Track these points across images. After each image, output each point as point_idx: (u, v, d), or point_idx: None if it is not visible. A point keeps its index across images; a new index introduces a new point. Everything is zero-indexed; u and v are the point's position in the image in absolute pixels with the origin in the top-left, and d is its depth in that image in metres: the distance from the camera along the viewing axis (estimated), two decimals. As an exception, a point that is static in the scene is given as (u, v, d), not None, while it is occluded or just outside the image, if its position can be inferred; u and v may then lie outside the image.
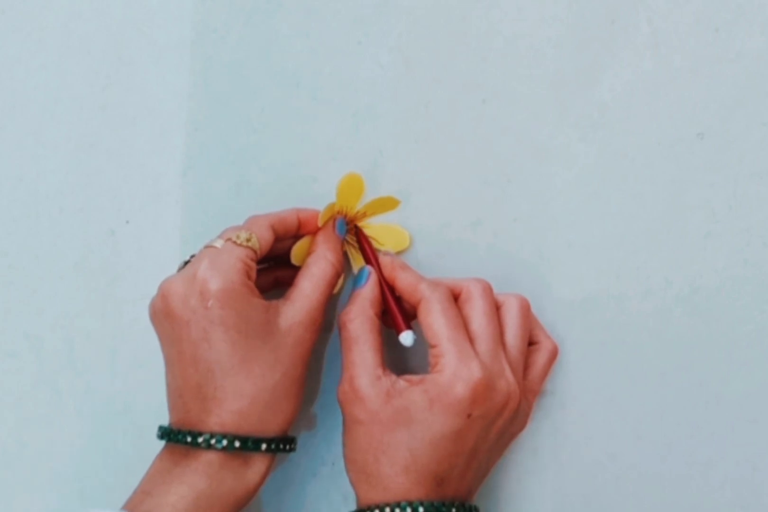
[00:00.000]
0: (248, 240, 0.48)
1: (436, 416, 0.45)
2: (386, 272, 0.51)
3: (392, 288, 0.51)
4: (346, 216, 0.53)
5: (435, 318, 0.47)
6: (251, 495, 0.48)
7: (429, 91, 0.54)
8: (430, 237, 0.54)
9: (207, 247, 0.48)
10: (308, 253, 0.51)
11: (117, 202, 0.57)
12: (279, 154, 0.55)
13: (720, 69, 0.51)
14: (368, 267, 0.51)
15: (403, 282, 0.50)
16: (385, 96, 0.54)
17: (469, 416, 0.45)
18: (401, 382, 0.47)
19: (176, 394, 0.48)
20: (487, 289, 0.49)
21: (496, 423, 0.47)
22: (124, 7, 0.56)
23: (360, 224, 0.53)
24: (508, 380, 0.47)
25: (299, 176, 0.54)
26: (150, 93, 0.56)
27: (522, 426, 0.51)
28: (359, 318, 0.49)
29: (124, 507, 0.46)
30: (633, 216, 0.52)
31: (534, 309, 0.52)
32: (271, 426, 0.47)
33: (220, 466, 0.47)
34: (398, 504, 0.45)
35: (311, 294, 0.49)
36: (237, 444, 0.46)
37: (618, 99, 0.52)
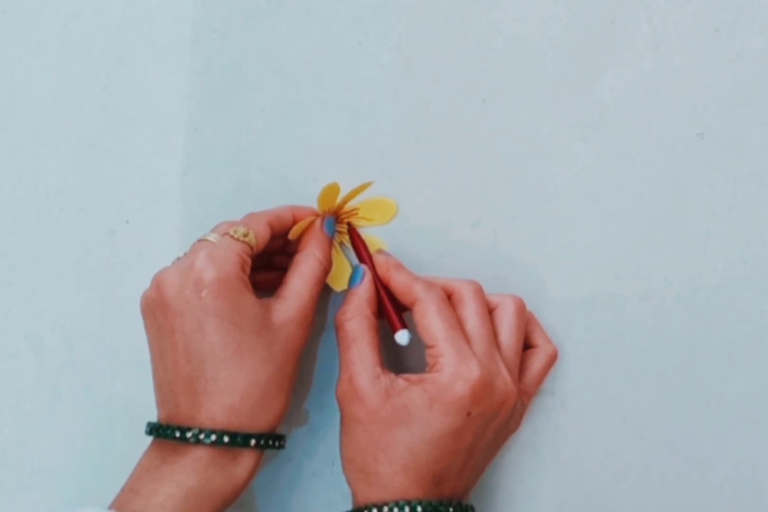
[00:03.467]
0: (245, 235, 0.49)
1: (436, 415, 0.46)
2: (381, 272, 0.51)
3: (387, 288, 0.51)
4: (336, 215, 0.53)
5: (431, 319, 0.47)
6: (239, 491, 0.48)
7: (429, 91, 0.54)
8: (430, 237, 0.54)
9: (201, 240, 0.49)
10: (298, 249, 0.52)
11: (117, 202, 0.57)
12: (279, 154, 0.55)
13: (720, 69, 0.51)
14: (363, 267, 0.51)
15: (397, 282, 0.50)
16: (385, 96, 0.54)
17: (468, 415, 0.46)
18: (400, 381, 0.47)
19: (166, 389, 0.48)
20: (479, 291, 0.50)
21: (494, 422, 0.47)
22: (124, 7, 0.56)
23: (345, 210, 0.54)
24: (505, 380, 0.47)
25: (299, 176, 0.54)
26: (150, 93, 0.56)
27: (516, 425, 0.51)
28: (356, 317, 0.49)
29: (112, 505, 0.46)
30: (633, 216, 0.52)
31: (533, 310, 0.52)
32: (261, 422, 0.47)
33: (209, 463, 0.46)
34: (396, 503, 0.45)
35: (302, 291, 0.49)
36: (226, 439, 0.46)
37: (618, 99, 0.52)
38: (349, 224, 0.54)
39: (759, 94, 0.51)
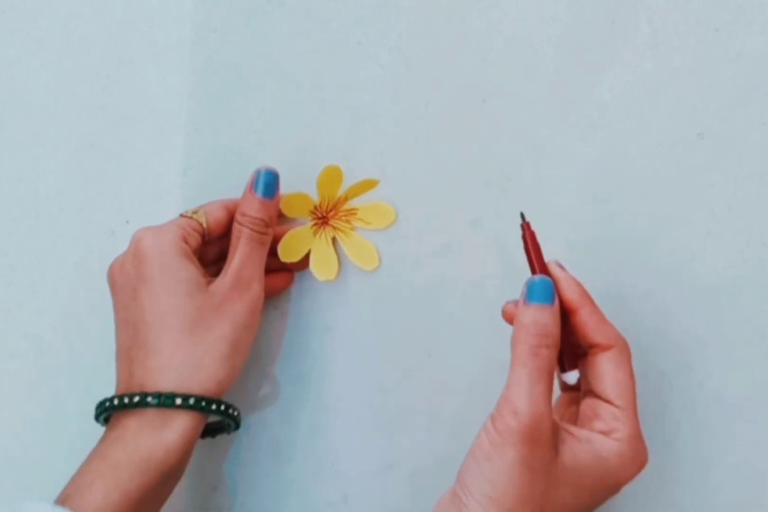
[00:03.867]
0: (195, 213, 0.50)
1: (604, 492, 0.43)
2: (569, 295, 0.44)
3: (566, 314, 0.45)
4: (328, 204, 0.53)
5: (627, 377, 0.43)
6: (173, 458, 0.46)
7: (429, 91, 0.54)
8: (430, 237, 0.54)
9: None
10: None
11: (117, 202, 0.57)
12: (279, 154, 0.55)
13: (720, 69, 0.51)
14: (550, 280, 0.44)
15: (590, 315, 0.44)
16: (385, 96, 0.54)
17: (619, 490, 0.44)
18: (564, 433, 0.43)
19: (117, 365, 0.49)
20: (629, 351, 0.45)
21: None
22: (124, 7, 0.56)
23: (344, 207, 0.54)
24: (644, 452, 0.45)
25: (299, 176, 0.54)
26: (150, 93, 0.56)
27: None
28: (553, 348, 0.43)
29: (57, 498, 0.45)
30: (633, 216, 0.52)
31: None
32: (192, 383, 0.47)
33: (135, 430, 0.46)
34: None
35: (235, 258, 0.50)
36: (150, 399, 0.45)
37: (618, 99, 0.52)
38: (525, 227, 0.46)
39: (759, 94, 0.51)
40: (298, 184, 0.54)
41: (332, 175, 0.53)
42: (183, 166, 0.56)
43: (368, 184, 0.53)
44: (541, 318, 0.43)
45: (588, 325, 0.44)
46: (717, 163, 0.52)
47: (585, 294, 0.45)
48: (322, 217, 0.54)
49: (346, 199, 0.54)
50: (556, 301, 0.43)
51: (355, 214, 0.54)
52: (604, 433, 0.43)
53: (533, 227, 0.47)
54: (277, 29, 0.55)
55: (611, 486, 0.43)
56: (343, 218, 0.54)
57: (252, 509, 0.56)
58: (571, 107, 0.52)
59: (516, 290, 0.52)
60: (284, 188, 0.53)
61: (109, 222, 0.57)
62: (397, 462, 0.54)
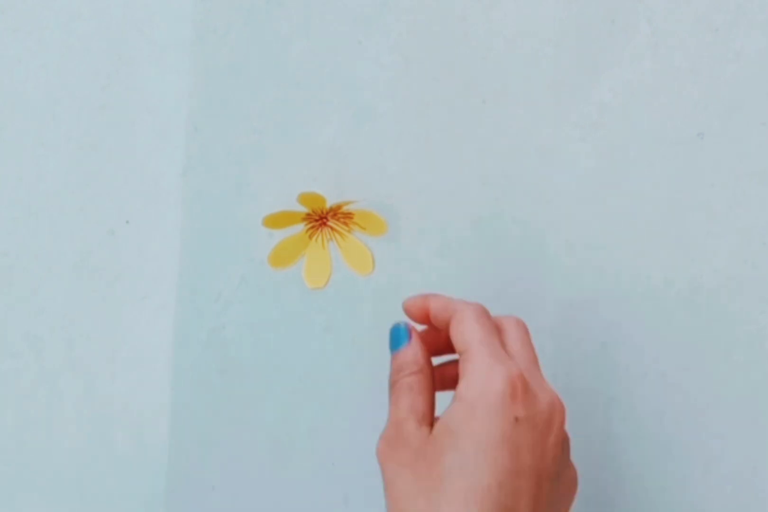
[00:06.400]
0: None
1: (480, 420, 0.41)
2: (417, 303, 0.47)
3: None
4: (334, 213, 0.54)
5: (467, 324, 0.44)
6: None
7: (429, 91, 0.54)
8: (430, 237, 0.54)
9: None
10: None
11: (117, 202, 0.57)
12: (279, 154, 0.55)
13: (720, 69, 0.51)
14: (404, 324, 0.47)
15: (436, 303, 0.46)
16: (385, 96, 0.54)
17: (516, 420, 0.41)
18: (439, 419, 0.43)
19: None
20: (522, 323, 0.46)
21: (549, 438, 0.42)
22: (124, 7, 0.56)
23: (345, 213, 0.54)
24: (549, 392, 0.43)
25: (299, 176, 0.54)
26: (150, 93, 0.56)
27: (574, 480, 0.46)
28: (412, 375, 0.45)
29: None
30: (633, 216, 0.52)
31: (534, 309, 0.52)
32: None
33: None
34: None
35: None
36: None
37: (618, 99, 0.52)
38: None
39: (759, 94, 0.51)
40: (298, 185, 0.54)
41: (316, 199, 0.53)
42: (183, 166, 0.56)
43: (377, 226, 0.53)
44: (398, 361, 0.46)
45: (436, 313, 0.46)
46: (717, 163, 0.52)
47: (429, 294, 0.47)
48: (320, 219, 0.54)
49: (340, 206, 0.54)
50: (413, 337, 0.46)
51: (352, 218, 0.54)
52: (462, 380, 0.43)
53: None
54: (277, 29, 0.55)
55: (488, 406, 0.41)
56: (342, 219, 0.54)
57: (252, 509, 0.56)
58: (571, 107, 0.52)
59: (516, 289, 0.52)
60: (284, 188, 0.53)
61: (109, 222, 0.57)
62: (397, 462, 0.54)
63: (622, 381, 0.53)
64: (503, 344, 0.44)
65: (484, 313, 0.45)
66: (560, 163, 0.53)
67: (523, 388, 0.41)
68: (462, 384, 0.42)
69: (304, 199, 0.52)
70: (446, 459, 0.41)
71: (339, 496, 0.55)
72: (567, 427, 0.54)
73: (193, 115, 0.56)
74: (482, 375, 0.42)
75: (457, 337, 0.44)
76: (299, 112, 0.55)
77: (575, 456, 0.54)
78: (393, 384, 0.45)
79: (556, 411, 0.43)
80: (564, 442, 0.44)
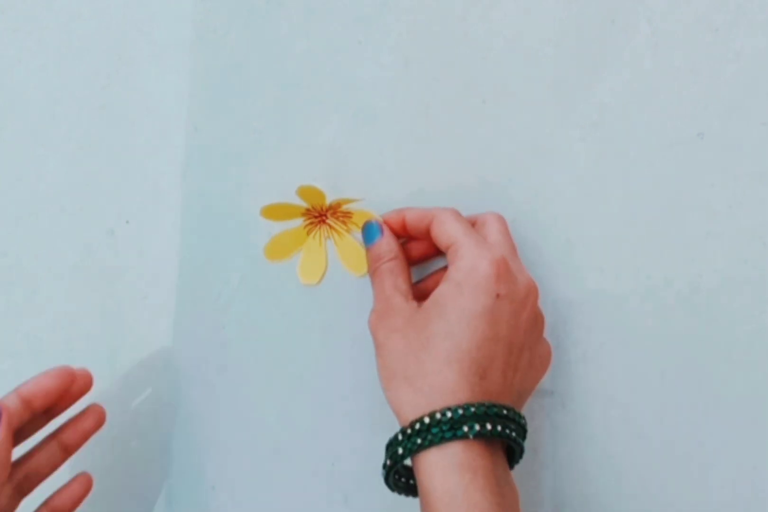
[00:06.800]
0: None
1: (467, 296, 0.47)
2: (393, 216, 0.52)
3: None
4: (333, 211, 0.54)
5: (449, 223, 0.49)
6: None
7: (429, 91, 0.54)
8: (430, 237, 0.54)
9: None
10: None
11: (117, 202, 0.57)
12: (279, 154, 0.55)
13: (720, 69, 0.51)
14: (376, 221, 0.52)
15: (412, 212, 0.51)
16: (385, 96, 0.54)
17: (497, 296, 0.47)
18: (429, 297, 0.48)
19: None
20: (502, 219, 0.51)
21: (523, 313, 0.48)
22: (124, 7, 0.56)
23: (344, 212, 0.54)
24: (526, 275, 0.49)
25: (299, 176, 0.54)
26: (150, 93, 0.56)
27: (548, 349, 0.52)
28: (392, 260, 0.50)
29: None
30: (633, 216, 0.52)
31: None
32: None
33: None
34: (448, 408, 0.45)
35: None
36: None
37: (618, 99, 0.52)
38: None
39: (759, 94, 0.51)
40: (298, 184, 0.54)
41: (315, 192, 0.53)
42: (183, 166, 0.56)
43: (352, 200, 0.53)
44: (374, 252, 0.51)
45: (415, 220, 0.51)
46: (717, 163, 0.52)
47: (404, 209, 0.51)
48: (320, 216, 0.54)
49: (339, 204, 0.53)
50: (385, 231, 0.51)
51: (350, 217, 0.54)
52: (452, 264, 0.48)
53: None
54: (277, 29, 0.55)
55: (474, 286, 0.47)
56: (341, 218, 0.54)
57: (252, 509, 0.56)
58: (571, 107, 0.52)
59: (516, 290, 0.52)
60: (284, 188, 0.53)
61: (109, 222, 0.57)
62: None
63: (622, 381, 0.53)
64: (485, 236, 0.49)
65: (460, 214, 0.50)
66: (560, 163, 0.53)
67: (505, 270, 0.47)
68: (452, 269, 0.48)
69: (303, 192, 0.52)
70: (433, 326, 0.47)
71: (339, 496, 0.55)
72: (567, 427, 0.54)
73: (193, 115, 0.56)
74: (470, 259, 0.47)
75: (442, 236, 0.49)
76: (299, 112, 0.55)
77: (575, 456, 0.54)
78: (374, 272, 0.51)
79: (531, 291, 0.49)
80: (537, 318, 0.50)
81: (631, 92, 0.52)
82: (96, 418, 0.51)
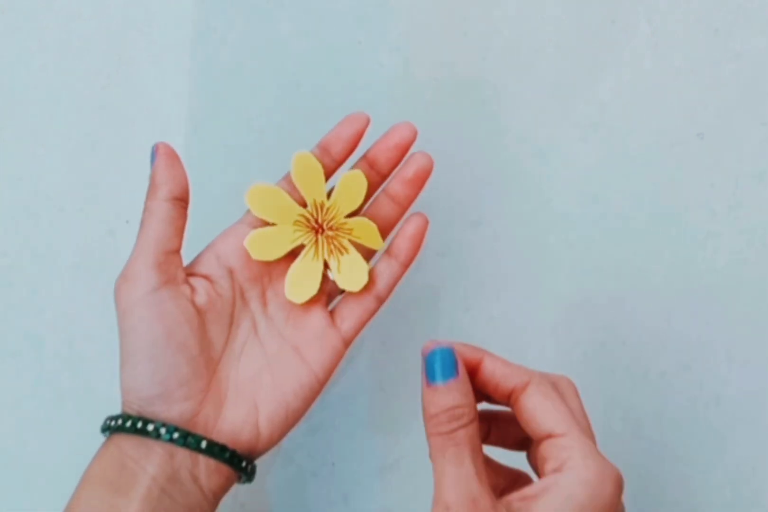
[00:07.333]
0: None
1: None
2: (467, 351, 0.40)
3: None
4: (317, 212, 0.47)
5: (556, 404, 0.39)
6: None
7: (429, 91, 0.54)
8: (430, 237, 0.54)
9: None
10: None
11: (117, 202, 0.57)
12: (279, 154, 0.55)
13: (720, 69, 0.51)
14: (447, 348, 0.38)
15: (495, 362, 0.40)
16: (385, 96, 0.54)
17: None
18: (516, 504, 0.37)
19: None
20: (575, 387, 0.42)
21: None
22: (124, 7, 0.56)
23: (339, 221, 0.46)
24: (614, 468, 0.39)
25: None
26: (150, 93, 0.56)
27: None
28: (469, 425, 0.38)
29: None
30: (633, 216, 0.52)
31: (534, 309, 0.52)
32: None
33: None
34: None
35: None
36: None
37: (618, 99, 0.52)
38: None
39: (759, 94, 0.51)
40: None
41: (311, 170, 0.46)
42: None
43: (351, 178, 0.46)
44: (450, 400, 0.38)
45: (496, 373, 0.39)
46: (717, 163, 0.52)
47: (480, 350, 0.40)
48: (315, 228, 0.47)
49: (336, 203, 0.47)
50: (461, 369, 0.38)
51: (351, 232, 0.46)
52: (558, 471, 0.38)
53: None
54: (277, 29, 0.55)
55: (600, 508, 0.37)
56: (341, 232, 0.47)
57: (252, 509, 0.56)
58: (571, 107, 0.52)
59: (515, 289, 0.52)
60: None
61: (108, 222, 0.57)
62: (397, 462, 0.54)
63: (622, 381, 0.53)
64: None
65: (555, 387, 0.40)
66: (560, 163, 0.53)
67: (622, 487, 0.38)
68: (563, 479, 0.37)
69: (297, 162, 0.46)
70: None
71: (339, 496, 0.55)
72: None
73: (193, 115, 0.56)
74: (596, 473, 0.38)
75: (542, 415, 0.38)
76: (299, 112, 0.55)
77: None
78: (443, 437, 0.37)
79: (621, 487, 0.39)
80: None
81: (631, 92, 0.52)
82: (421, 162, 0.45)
